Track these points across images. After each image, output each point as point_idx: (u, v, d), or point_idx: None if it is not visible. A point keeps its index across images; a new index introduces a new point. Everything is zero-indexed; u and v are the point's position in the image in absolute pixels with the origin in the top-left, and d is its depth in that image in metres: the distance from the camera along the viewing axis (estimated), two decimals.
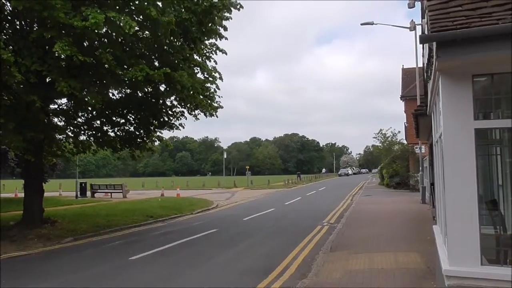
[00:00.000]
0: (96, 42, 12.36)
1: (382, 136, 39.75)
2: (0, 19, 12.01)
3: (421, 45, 10.28)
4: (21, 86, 11.89)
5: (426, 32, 5.71)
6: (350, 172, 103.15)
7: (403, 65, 38.30)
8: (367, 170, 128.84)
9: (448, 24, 4.31)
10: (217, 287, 7.69)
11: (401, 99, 34.65)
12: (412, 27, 20.69)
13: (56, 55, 10.81)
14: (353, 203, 23.71)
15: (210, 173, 64.29)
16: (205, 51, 14.93)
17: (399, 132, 40.12)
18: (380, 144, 40.62)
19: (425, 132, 14.07)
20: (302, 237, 12.59)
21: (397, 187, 34.78)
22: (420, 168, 23.59)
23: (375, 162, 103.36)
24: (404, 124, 33.57)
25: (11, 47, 11.47)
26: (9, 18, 12.79)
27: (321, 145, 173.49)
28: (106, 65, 11.70)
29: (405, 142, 37.28)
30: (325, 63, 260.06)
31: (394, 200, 24.08)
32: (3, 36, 11.47)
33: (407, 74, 35.27)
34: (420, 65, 22.34)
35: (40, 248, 11.98)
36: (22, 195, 16.33)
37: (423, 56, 10.98)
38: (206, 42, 14.81)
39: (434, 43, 4.43)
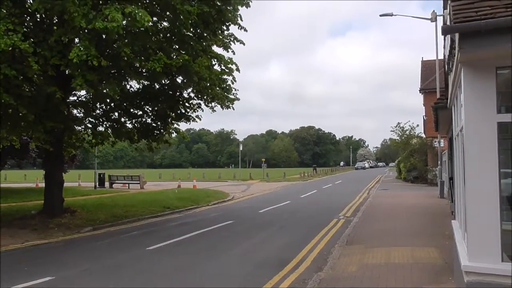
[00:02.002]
0: (116, 36, 12.47)
1: (400, 130, 39.18)
2: (21, 12, 12.19)
3: (443, 36, 10.06)
4: (41, 77, 12.12)
5: (448, 23, 5.58)
6: (366, 165, 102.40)
7: (422, 58, 37.66)
8: (384, 163, 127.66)
9: (471, 14, 4.20)
10: (233, 279, 7.74)
11: (420, 92, 34.08)
12: (433, 18, 20.25)
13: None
14: (369, 196, 23.53)
15: (232, 165, 64.62)
16: (224, 41, 14.91)
17: (417, 125, 39.54)
18: (398, 138, 40.03)
19: (444, 125, 13.82)
20: (318, 230, 12.56)
21: (415, 181, 34.33)
22: (439, 162, 23.20)
23: (392, 155, 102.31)
24: (423, 118, 33.04)
25: (31, 39, 11.65)
26: (30, 10, 12.99)
27: (337, 138, 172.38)
28: (124, 58, 11.80)
29: (423, 135, 36.73)
30: (339, 56, 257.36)
31: (412, 194, 23.80)
32: (24, 28, 11.66)
33: (427, 67, 34.64)
34: (440, 57, 21.90)
35: (60, 237, 12.24)
36: (43, 185, 16.68)
37: (444, 47, 10.75)
38: (225, 32, 14.80)
39: (457, 34, 4.33)
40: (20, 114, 12.27)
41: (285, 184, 40.37)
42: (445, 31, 4.69)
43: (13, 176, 48.56)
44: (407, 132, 38.78)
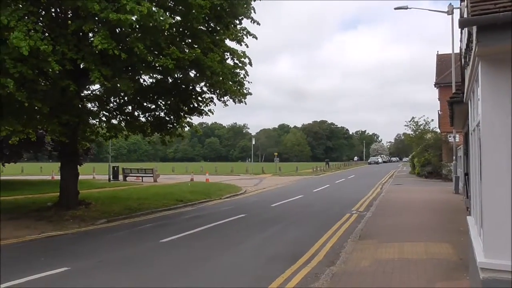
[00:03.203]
0: (128, 30, 12.54)
1: (414, 124, 38.78)
2: (37, 9, 12.31)
3: (459, 30, 9.88)
4: (57, 72, 12.26)
5: (465, 16, 5.47)
6: (380, 160, 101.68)
7: (437, 51, 37.13)
8: (397, 158, 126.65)
9: (490, 7, 4.11)
10: (245, 272, 7.78)
11: (435, 86, 33.61)
12: (450, 11, 19.90)
13: (93, 47, 11.01)
14: (382, 191, 23.37)
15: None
16: (237, 35, 14.87)
17: (432, 120, 39.07)
18: (412, 132, 39.63)
19: (460, 120, 13.62)
20: (331, 225, 12.54)
21: (429, 176, 33.98)
22: (454, 157, 22.90)
23: (406, 150, 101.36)
24: (438, 112, 32.61)
25: (47, 34, 11.78)
26: (45, 5, 13.13)
27: (350, 133, 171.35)
28: (137, 53, 11.86)
29: (438, 130, 36.28)
30: (350, 50, 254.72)
31: (426, 190, 23.57)
32: (40, 24, 11.79)
33: (442, 60, 34.13)
34: (456, 50, 21.53)
35: (76, 228, 12.44)
36: (58, 177, 16.95)
37: (460, 41, 10.56)
38: (238, 26, 14.76)
39: (474, 27, 4.24)
40: (36, 108, 12.44)
41: (298, 178, 40.32)
42: (462, 24, 4.60)
43: (29, 169, 49.44)
44: (422, 127, 38.37)
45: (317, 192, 24.89)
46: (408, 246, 9.00)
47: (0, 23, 9.85)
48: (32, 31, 10.23)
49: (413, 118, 38.99)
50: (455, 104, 10.71)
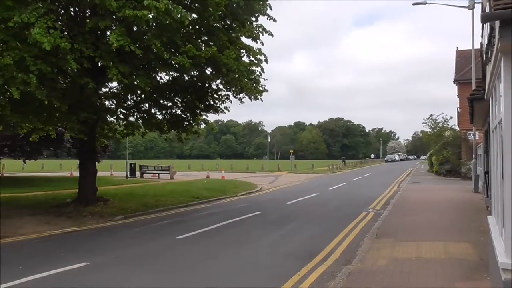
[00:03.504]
0: (145, 27, 12.63)
1: (432, 122, 38.14)
2: (57, 7, 12.51)
3: (480, 25, 9.66)
4: (75, 70, 12.45)
5: (488, 10, 5.34)
6: (397, 158, 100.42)
7: (457, 47, 36.35)
8: (415, 156, 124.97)
9: None
10: (261, 270, 7.79)
11: (454, 83, 33.03)
12: (471, 6, 19.50)
13: (109, 42, 11.14)
14: (400, 190, 23.09)
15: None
16: (253, 32, 14.84)
17: (451, 117, 38.38)
18: (430, 130, 39.00)
19: (480, 117, 13.36)
20: (347, 223, 12.44)
21: (447, 174, 33.43)
22: (473, 155, 22.46)
23: (423, 148, 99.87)
24: (457, 109, 32.03)
25: (66, 33, 11.96)
26: (63, 4, 13.33)
27: (367, 130, 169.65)
28: (154, 50, 11.95)
29: (457, 128, 35.64)
30: (366, 46, 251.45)
31: (444, 188, 23.20)
32: (59, 23, 11.97)
33: (462, 57, 33.50)
34: (477, 46, 21.11)
35: (94, 224, 12.63)
36: (77, 174, 17.24)
37: (481, 36, 10.33)
38: (254, 24, 14.74)
39: (497, 22, 4.13)
40: (55, 106, 12.65)
41: (313, 176, 40.15)
42: (485, 18, 4.49)
43: (49, 165, 50.40)
44: (440, 124, 37.74)
45: (333, 190, 24.74)
46: (426, 245, 8.87)
47: (20, 21, 10.02)
48: (52, 29, 10.39)
49: (431, 115, 38.37)
50: (475, 101, 10.51)
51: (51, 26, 10.44)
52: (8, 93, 12.42)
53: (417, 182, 28.48)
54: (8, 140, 23.76)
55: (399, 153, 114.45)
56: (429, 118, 38.38)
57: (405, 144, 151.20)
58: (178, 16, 10.72)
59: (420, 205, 15.63)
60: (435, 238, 9.57)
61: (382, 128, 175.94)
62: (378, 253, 8.39)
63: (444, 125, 37.74)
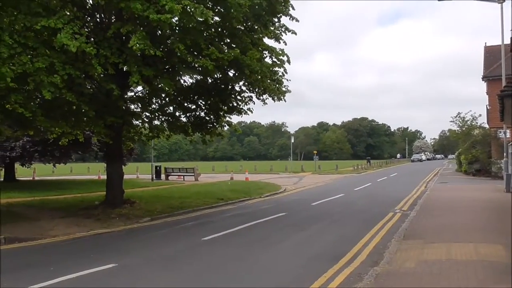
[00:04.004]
0: (168, 31, 12.80)
1: (460, 120, 37.23)
2: (83, 14, 12.85)
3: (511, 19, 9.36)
4: (101, 75, 12.74)
5: None
6: (423, 157, 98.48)
7: (485, 43, 35.29)
8: (442, 155, 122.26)
9: None
10: (286, 271, 7.76)
11: (482, 80, 32.12)
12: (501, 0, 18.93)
13: (130, 46, 11.36)
14: (427, 190, 22.61)
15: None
16: (276, 32, 14.83)
17: (479, 115, 37.37)
18: (458, 128, 38.07)
19: (511, 115, 12.94)
20: (373, 224, 12.26)
21: (477, 174, 32.55)
22: (504, 154, 21.78)
23: (451, 147, 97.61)
24: (486, 107, 31.18)
25: (92, 39, 12.26)
26: (90, 11, 13.66)
27: (392, 130, 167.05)
28: (178, 54, 12.09)
29: (486, 126, 34.67)
30: (389, 45, 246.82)
31: (474, 188, 22.57)
32: (85, 29, 12.28)
33: (490, 52, 32.57)
34: (506, 41, 20.50)
35: (121, 226, 12.86)
36: (104, 177, 17.61)
37: (511, 31, 10.02)
38: (276, 24, 14.73)
39: None
40: (83, 110, 12.97)
41: (338, 176, 39.77)
42: None
43: (78, 169, 51.74)
44: (468, 123, 36.80)
45: (358, 190, 24.43)
46: (456, 246, 8.64)
47: (48, 25, 10.33)
48: (78, 34, 10.68)
49: (459, 113, 37.49)
50: (506, 98, 10.20)
51: (77, 31, 10.72)
52: (39, 99, 12.87)
53: (445, 182, 27.81)
54: (39, 145, 24.57)
55: (425, 153, 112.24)
56: (457, 116, 37.53)
57: (432, 143, 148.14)
58: (202, 13, 10.71)
59: (449, 206, 15.25)
60: (465, 240, 9.31)
61: (407, 128, 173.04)
62: (406, 254, 8.23)
63: (473, 123, 36.80)
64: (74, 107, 13.04)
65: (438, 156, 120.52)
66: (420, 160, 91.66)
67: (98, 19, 13.97)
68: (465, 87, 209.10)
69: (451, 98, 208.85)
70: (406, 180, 32.54)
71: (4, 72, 9.63)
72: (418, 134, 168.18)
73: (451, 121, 38.16)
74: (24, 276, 7.59)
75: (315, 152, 59.67)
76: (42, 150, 25.28)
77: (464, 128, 36.90)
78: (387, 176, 38.18)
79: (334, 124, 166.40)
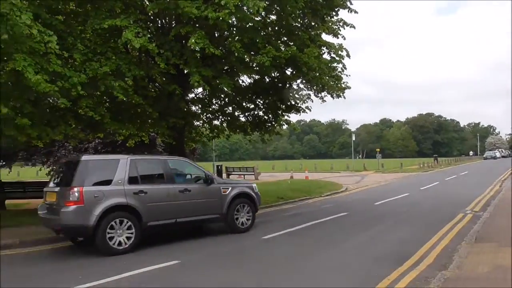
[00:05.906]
0: (226, 32, 12.99)
1: None
2: (146, 18, 13.44)
3: None
4: (164, 78, 13.23)
5: None
6: (498, 155, 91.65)
7: None
8: None
9: None
10: (349, 272, 7.55)
11: None
12: None
13: (191, 48, 11.66)
14: (502, 189, 20.95)
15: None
16: (333, 27, 14.53)
17: None
18: None
19: None
20: (441, 225, 11.58)
21: None
22: None
23: None
24: None
25: (154, 43, 12.76)
26: (152, 18, 14.24)
27: (461, 125, 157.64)
28: (235, 53, 12.23)
29: None
30: (449, 35, 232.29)
31: None
32: (148, 35, 12.82)
33: None
34: None
35: None
36: None
37: None
38: (334, 18, 14.44)
39: None
40: (147, 112, 13.56)
41: (402, 175, 38.17)
42: None
43: None
44: None
45: (424, 190, 23.25)
46: None
47: (113, 24, 10.89)
48: (141, 33, 11.18)
49: None
50: None
51: (141, 31, 11.22)
52: (107, 104, 13.64)
53: None
54: (109, 147, 26.10)
55: (500, 149, 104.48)
56: None
57: (507, 139, 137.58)
58: (253, 7, 10.53)
59: None
60: None
61: (479, 123, 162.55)
62: (478, 258, 7.66)
63: None
64: (139, 109, 13.66)
65: None
66: (494, 158, 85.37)
67: (159, 25, 14.53)
68: None
69: None
70: (477, 179, 30.48)
71: (75, 82, 10.26)
72: (491, 129, 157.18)
73: None
74: (89, 273, 8.03)
75: (378, 150, 57.78)
76: (112, 151, 26.83)
77: None
78: (457, 175, 35.99)
79: (398, 121, 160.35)
